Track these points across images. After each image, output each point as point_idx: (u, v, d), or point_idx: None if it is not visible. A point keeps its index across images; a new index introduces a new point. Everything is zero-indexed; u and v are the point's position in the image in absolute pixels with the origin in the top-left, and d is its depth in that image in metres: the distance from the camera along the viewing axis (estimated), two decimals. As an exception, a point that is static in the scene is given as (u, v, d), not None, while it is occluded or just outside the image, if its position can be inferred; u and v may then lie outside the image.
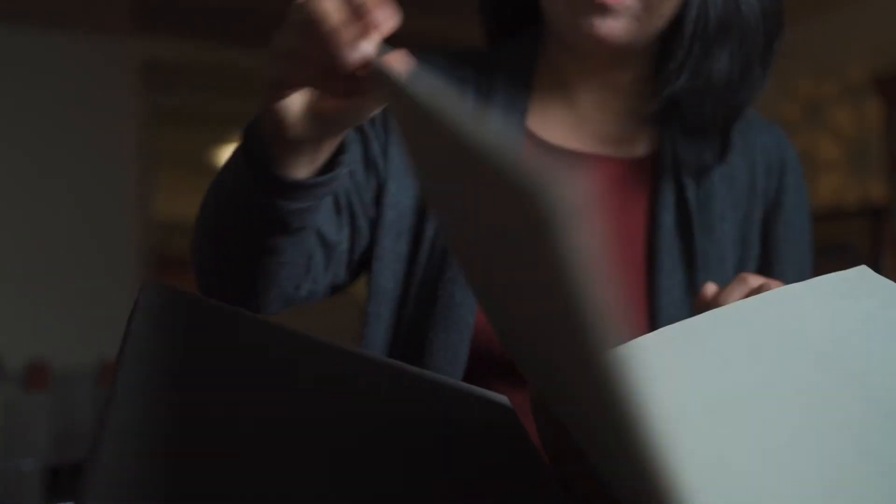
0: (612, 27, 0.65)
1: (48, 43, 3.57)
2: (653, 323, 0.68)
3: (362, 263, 0.73)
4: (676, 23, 0.69)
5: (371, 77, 0.47)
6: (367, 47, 0.45)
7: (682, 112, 0.73)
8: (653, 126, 0.75)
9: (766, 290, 0.53)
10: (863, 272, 0.51)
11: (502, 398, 0.50)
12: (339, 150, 0.56)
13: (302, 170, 0.55)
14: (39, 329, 3.46)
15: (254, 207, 0.56)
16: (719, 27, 0.68)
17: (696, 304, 0.58)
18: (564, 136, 0.75)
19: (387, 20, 0.45)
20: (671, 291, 0.70)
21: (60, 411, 3.04)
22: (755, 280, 0.56)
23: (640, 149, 0.76)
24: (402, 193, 0.72)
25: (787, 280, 0.69)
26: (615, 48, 0.68)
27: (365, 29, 0.45)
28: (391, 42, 0.46)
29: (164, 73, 3.85)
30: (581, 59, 0.73)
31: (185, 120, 4.44)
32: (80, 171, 3.64)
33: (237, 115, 4.49)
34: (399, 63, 0.44)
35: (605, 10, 0.65)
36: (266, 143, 0.54)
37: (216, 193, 0.61)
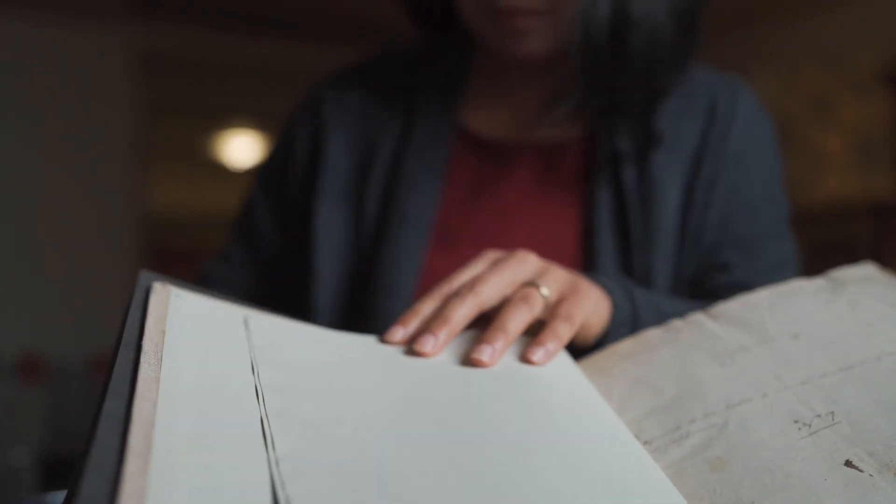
0: (530, 46, 0.68)
1: (42, 30, 3.54)
2: None
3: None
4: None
5: None
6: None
7: (607, 96, 0.72)
8: (588, 108, 0.75)
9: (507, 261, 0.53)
10: (866, 268, 0.53)
11: None
12: None
13: None
14: (33, 321, 3.44)
15: None
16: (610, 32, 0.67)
17: None
18: (500, 124, 0.77)
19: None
20: (607, 271, 0.69)
21: (54, 403, 3.03)
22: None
23: (577, 130, 0.76)
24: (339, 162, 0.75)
25: (741, 247, 0.70)
26: (542, 58, 0.70)
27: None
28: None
29: (160, 62, 3.83)
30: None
31: (181, 110, 4.43)
32: (75, 160, 3.62)
33: (233, 105, 4.49)
34: None
35: (515, 35, 0.67)
36: None
37: None
